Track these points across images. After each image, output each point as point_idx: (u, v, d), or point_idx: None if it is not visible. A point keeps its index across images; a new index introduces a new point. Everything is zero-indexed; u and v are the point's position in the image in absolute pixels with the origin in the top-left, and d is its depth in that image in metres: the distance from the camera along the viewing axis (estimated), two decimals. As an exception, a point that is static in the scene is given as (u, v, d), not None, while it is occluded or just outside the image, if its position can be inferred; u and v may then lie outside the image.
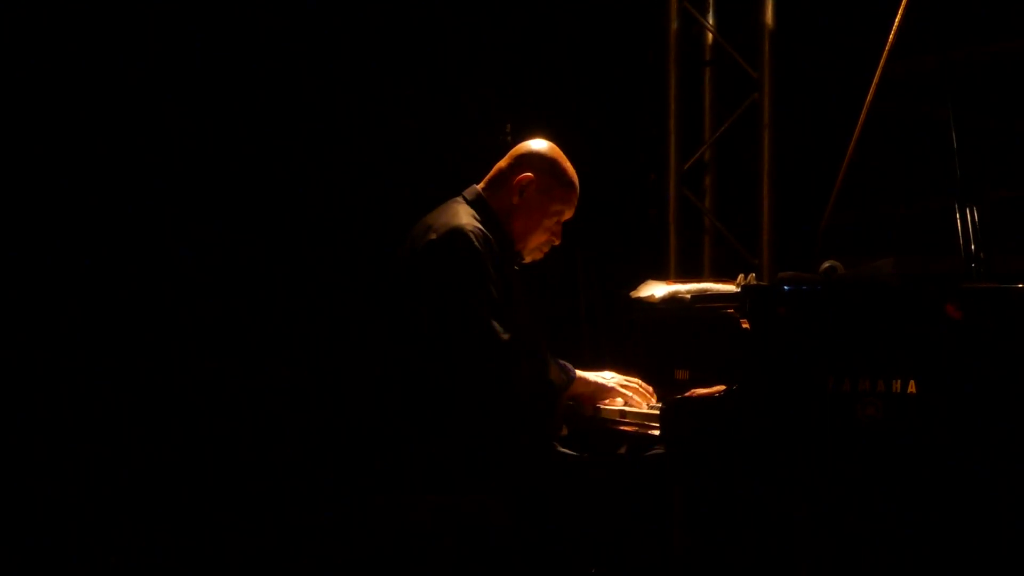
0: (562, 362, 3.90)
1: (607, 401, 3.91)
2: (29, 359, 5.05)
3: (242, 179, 5.38)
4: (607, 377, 3.97)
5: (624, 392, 3.92)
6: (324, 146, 5.50)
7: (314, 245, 5.47)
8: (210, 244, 5.32)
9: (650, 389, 3.97)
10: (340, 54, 5.52)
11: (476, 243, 3.76)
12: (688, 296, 4.05)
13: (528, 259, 4.03)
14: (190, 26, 5.26)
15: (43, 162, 5.07)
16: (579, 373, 3.93)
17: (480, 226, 3.82)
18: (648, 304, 4.22)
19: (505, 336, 3.72)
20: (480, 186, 4.00)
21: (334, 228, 5.48)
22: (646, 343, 4.30)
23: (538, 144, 4.02)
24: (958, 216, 3.68)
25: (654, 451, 3.97)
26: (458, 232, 3.77)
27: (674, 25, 5.95)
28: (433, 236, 3.79)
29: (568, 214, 4.01)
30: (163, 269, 5.27)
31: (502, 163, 4.02)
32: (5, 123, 5.02)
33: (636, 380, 4.00)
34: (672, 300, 4.12)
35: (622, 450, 4.06)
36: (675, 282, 4.27)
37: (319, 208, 5.49)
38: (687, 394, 3.85)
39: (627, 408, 3.84)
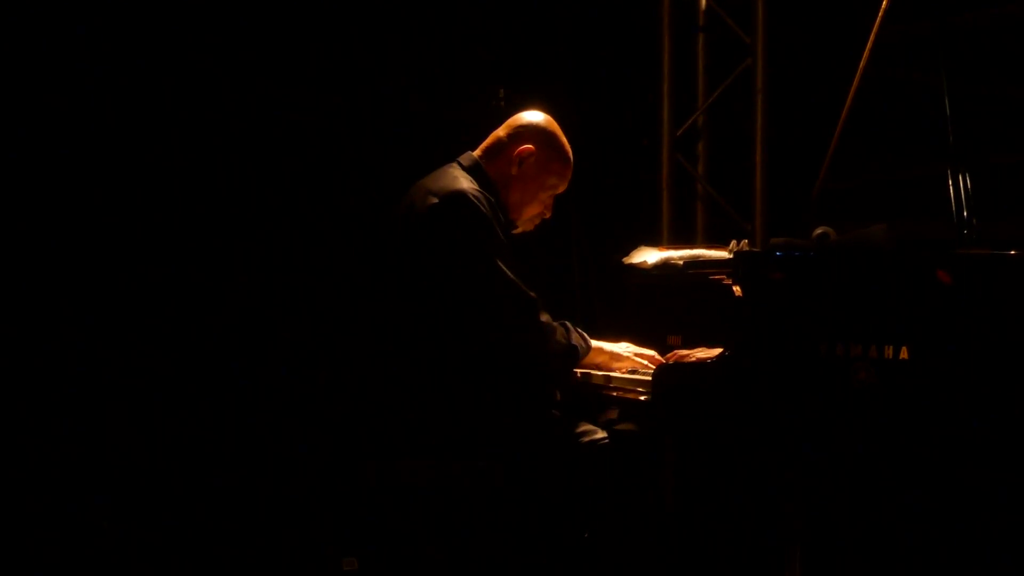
0: (580, 330, 3.89)
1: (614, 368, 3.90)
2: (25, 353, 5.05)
3: (231, 147, 5.34)
4: (622, 348, 3.96)
5: (638, 361, 3.91)
6: (313, 111, 5.47)
7: (306, 212, 5.44)
8: (199, 214, 5.28)
9: (663, 360, 3.95)
10: (330, 18, 5.48)
11: (482, 207, 3.75)
12: (681, 262, 4.05)
13: (520, 230, 4.03)
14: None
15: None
16: (594, 343, 3.91)
17: (481, 190, 3.81)
18: (641, 270, 4.22)
19: (532, 293, 3.73)
20: (476, 153, 3.98)
21: (325, 195, 5.45)
22: (639, 309, 4.30)
23: (537, 116, 4.01)
24: (951, 182, 3.68)
25: (623, 426, 3.98)
26: (462, 196, 3.76)
27: (668, -10, 5.93)
28: (435, 200, 3.77)
29: (562, 188, 4.02)
30: (149, 242, 5.24)
31: (500, 132, 4.00)
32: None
33: (651, 351, 3.99)
34: (665, 266, 4.12)
35: (612, 415, 4.07)
36: (668, 248, 4.27)
37: (309, 174, 5.46)
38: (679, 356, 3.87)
39: (612, 374, 3.84)
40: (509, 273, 3.72)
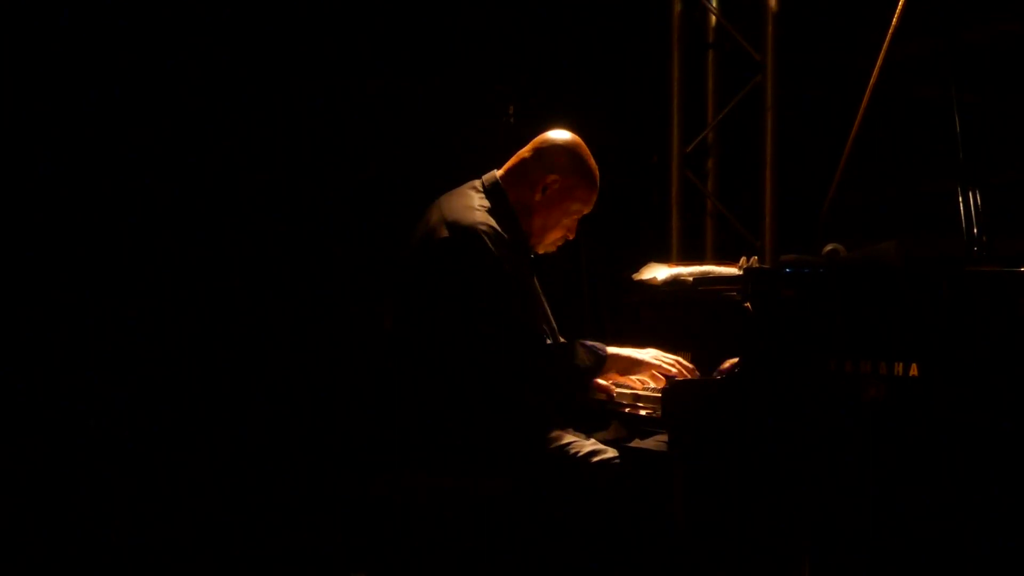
0: (591, 343, 3.83)
1: (630, 380, 3.85)
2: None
3: (246, 168, 5.35)
4: (646, 353, 3.87)
5: (659, 365, 3.83)
6: (325, 130, 5.48)
7: (320, 231, 5.45)
8: (222, 232, 5.29)
9: (691, 366, 3.89)
10: (341, 36, 5.50)
11: (490, 245, 3.72)
12: (690, 279, 4.05)
13: (541, 251, 4.00)
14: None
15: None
16: (611, 350, 3.84)
17: (494, 223, 3.77)
18: (650, 287, 4.22)
19: (531, 328, 3.73)
20: (499, 173, 3.94)
21: (338, 213, 5.46)
22: (648, 325, 4.30)
23: (563, 137, 3.95)
24: (961, 199, 3.67)
25: (638, 443, 3.96)
26: (472, 233, 3.72)
27: (677, 7, 5.94)
28: (446, 234, 3.74)
29: (586, 211, 3.98)
30: (165, 261, 5.25)
31: (525, 153, 3.94)
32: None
33: (675, 356, 3.90)
34: (674, 283, 4.11)
35: (622, 434, 4.05)
36: (677, 264, 4.27)
37: (323, 192, 5.47)
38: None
39: (641, 392, 3.79)
40: (511, 311, 3.70)
